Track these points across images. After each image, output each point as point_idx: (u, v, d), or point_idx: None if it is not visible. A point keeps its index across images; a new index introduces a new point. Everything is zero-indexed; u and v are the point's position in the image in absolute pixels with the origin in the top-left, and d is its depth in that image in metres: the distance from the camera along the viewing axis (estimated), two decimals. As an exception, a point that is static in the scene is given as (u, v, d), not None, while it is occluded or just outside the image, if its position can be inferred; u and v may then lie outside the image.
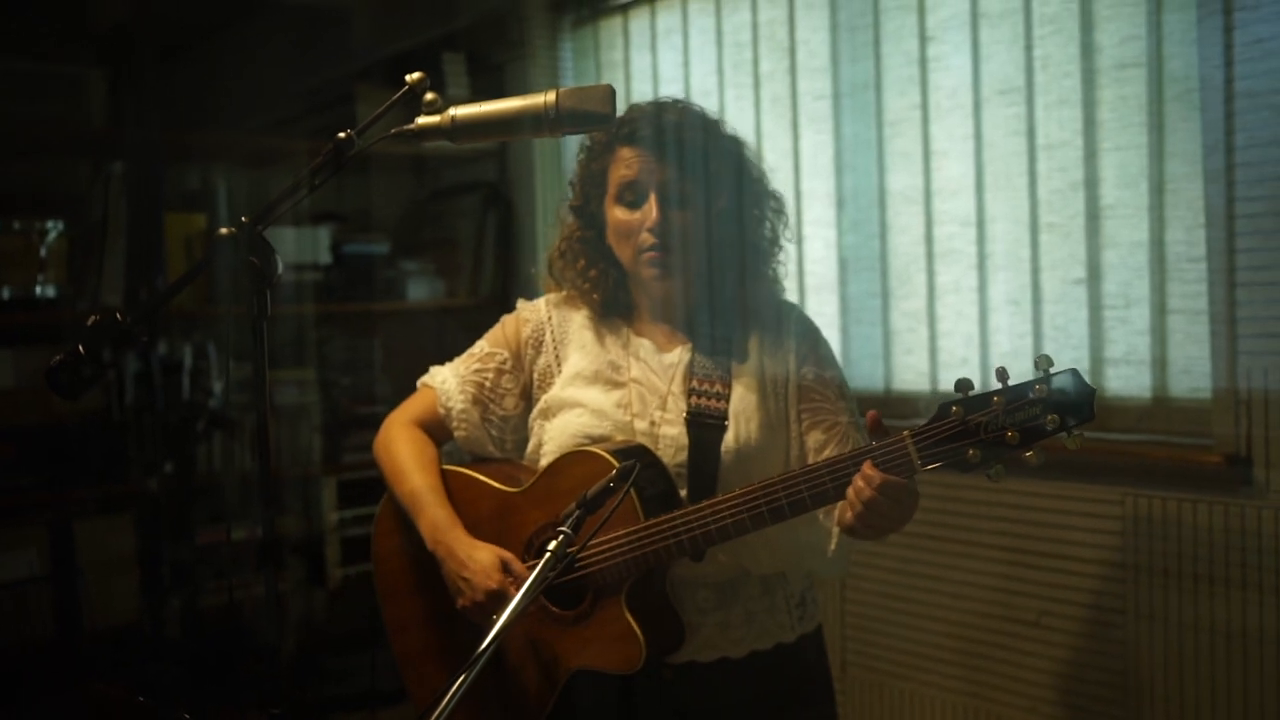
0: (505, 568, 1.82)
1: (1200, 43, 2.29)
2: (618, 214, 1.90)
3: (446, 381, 2.03)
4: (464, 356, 2.06)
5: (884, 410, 2.95)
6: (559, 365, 1.98)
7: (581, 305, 2.00)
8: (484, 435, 2.02)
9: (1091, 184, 2.54)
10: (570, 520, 1.52)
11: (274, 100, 3.66)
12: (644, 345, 1.94)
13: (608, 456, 1.79)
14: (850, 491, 1.65)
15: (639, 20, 3.60)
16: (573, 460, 1.84)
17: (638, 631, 1.77)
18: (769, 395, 1.89)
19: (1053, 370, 1.54)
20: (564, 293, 2.04)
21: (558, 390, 1.94)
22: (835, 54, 3.04)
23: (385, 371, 3.80)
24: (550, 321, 2.01)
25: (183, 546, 3.25)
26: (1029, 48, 2.63)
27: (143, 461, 3.23)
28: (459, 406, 2.01)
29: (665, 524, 1.75)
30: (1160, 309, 2.45)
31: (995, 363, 2.72)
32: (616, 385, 1.91)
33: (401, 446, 2.01)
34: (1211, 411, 2.30)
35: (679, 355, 1.92)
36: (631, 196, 1.88)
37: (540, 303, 2.06)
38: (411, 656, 2.05)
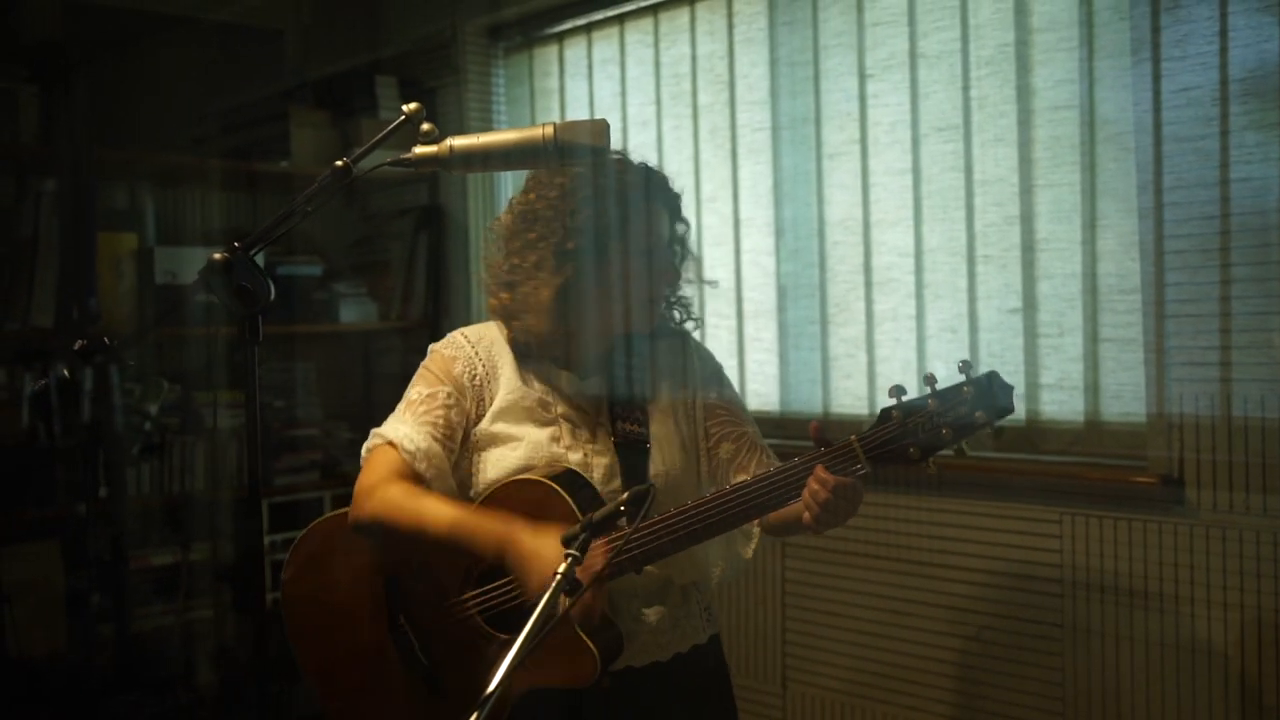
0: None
1: (1133, 88, 2.43)
2: (631, 264, 1.96)
3: (399, 430, 1.93)
4: (404, 408, 1.97)
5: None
6: (489, 400, 1.98)
7: (503, 339, 2.02)
8: (448, 471, 1.97)
9: (1027, 218, 2.67)
10: (577, 543, 1.56)
11: (206, 120, 3.62)
12: (567, 378, 2.00)
13: (548, 482, 1.86)
14: (806, 494, 1.79)
15: (575, 49, 3.66)
16: (515, 488, 1.88)
17: (591, 645, 1.82)
18: (681, 420, 2.04)
19: (975, 374, 1.75)
20: (483, 325, 2.06)
21: (487, 424, 1.96)
22: (775, 88, 3.14)
23: (317, 393, 3.78)
24: (478, 357, 2.00)
25: (114, 572, 3.18)
26: (966, 88, 2.76)
27: (72, 486, 3.15)
28: (424, 445, 1.92)
29: (619, 540, 1.78)
30: (1092, 337, 2.59)
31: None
32: (547, 422, 1.97)
33: (402, 499, 1.89)
34: (1145, 435, 2.44)
35: (599, 388, 2.02)
36: (650, 253, 1.98)
37: (458, 337, 2.03)
38: (339, 698, 2.05)
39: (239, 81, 3.69)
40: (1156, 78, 2.39)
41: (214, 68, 3.63)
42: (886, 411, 1.77)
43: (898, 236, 2.90)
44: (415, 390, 1.99)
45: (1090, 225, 2.58)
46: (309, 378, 3.76)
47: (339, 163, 1.74)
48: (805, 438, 3.00)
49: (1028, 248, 2.68)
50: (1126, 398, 2.55)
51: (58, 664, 3.10)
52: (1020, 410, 2.70)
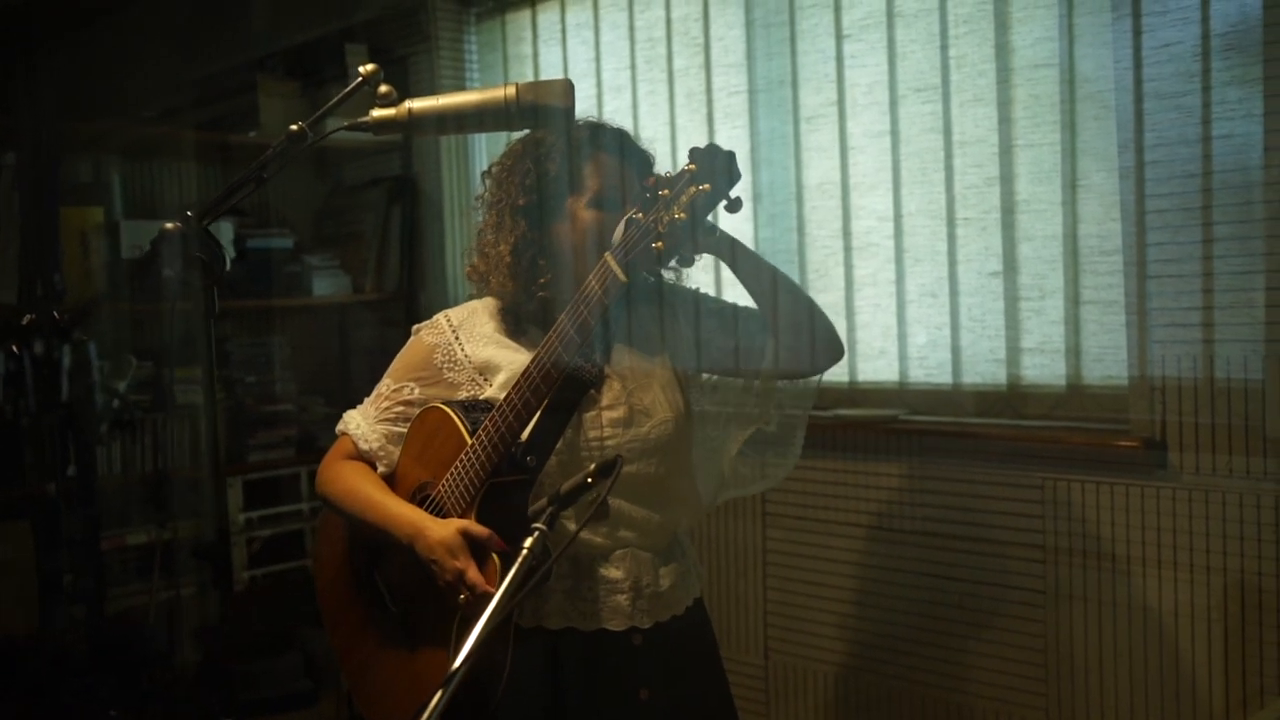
0: (466, 536, 1.80)
1: (1113, 45, 2.38)
2: (591, 215, 1.92)
3: (360, 427, 2.05)
4: (372, 399, 2.07)
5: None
6: (484, 374, 1.97)
7: (487, 317, 2.03)
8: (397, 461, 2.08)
9: (1006, 179, 2.62)
10: (544, 516, 1.52)
11: (172, 91, 3.55)
12: None
13: (442, 407, 1.90)
14: None
15: (548, 14, 3.59)
16: (419, 419, 1.95)
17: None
18: (662, 378, 2.02)
19: (699, 150, 1.67)
20: (469, 304, 2.07)
21: (496, 393, 1.92)
22: (750, 50, 3.08)
23: (291, 368, 3.72)
24: (457, 341, 2.01)
25: (84, 552, 3.13)
26: (944, 47, 2.70)
27: (41, 465, 3.10)
28: (375, 446, 2.02)
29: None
30: (1074, 300, 2.55)
31: (913, 355, 2.82)
32: None
33: (344, 481, 2.02)
34: (1128, 398, 2.40)
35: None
36: (608, 203, 1.92)
37: (440, 320, 2.05)
38: (349, 654, 2.11)
39: (206, 51, 3.62)
40: (1137, 33, 2.34)
41: (181, 36, 3.56)
42: (628, 220, 1.73)
43: (877, 200, 2.85)
44: (385, 382, 2.06)
45: (1071, 186, 2.54)
46: (283, 352, 3.70)
47: (293, 127, 1.70)
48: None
49: (1008, 209, 2.63)
50: (1108, 361, 2.51)
51: (30, 644, 3.06)
52: (1001, 375, 2.66)
